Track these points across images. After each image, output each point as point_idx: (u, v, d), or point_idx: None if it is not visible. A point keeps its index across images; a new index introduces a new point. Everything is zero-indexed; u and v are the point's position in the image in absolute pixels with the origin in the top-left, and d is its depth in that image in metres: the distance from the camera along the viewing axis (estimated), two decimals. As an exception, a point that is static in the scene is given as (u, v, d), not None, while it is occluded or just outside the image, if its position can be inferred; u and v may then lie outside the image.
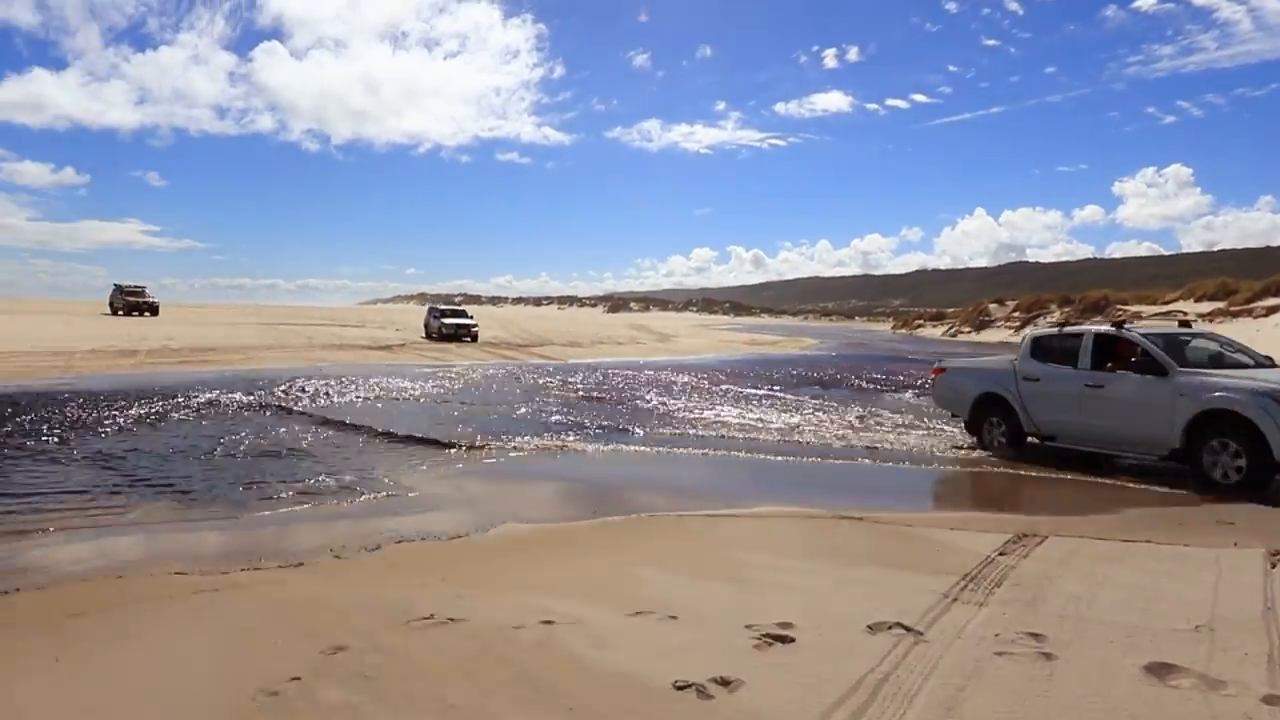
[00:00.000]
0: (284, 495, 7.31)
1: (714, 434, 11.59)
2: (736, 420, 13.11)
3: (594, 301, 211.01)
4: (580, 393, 17.01)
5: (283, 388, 15.93)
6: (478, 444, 10.28)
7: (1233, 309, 44.24)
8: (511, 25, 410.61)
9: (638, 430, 11.74)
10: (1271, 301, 42.49)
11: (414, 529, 6.20)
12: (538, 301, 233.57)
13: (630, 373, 22.66)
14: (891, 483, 8.90)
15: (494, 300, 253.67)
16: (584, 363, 27.43)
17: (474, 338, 36.48)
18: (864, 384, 20.75)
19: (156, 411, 12.20)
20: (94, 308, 51.61)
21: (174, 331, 33.07)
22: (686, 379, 20.76)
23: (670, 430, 11.92)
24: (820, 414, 14.00)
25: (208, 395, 14.22)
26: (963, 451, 10.40)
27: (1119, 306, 54.03)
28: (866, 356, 35.71)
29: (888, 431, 12.09)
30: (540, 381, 19.59)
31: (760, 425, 12.52)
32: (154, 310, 48.19)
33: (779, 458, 10.04)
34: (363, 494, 7.44)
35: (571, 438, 10.99)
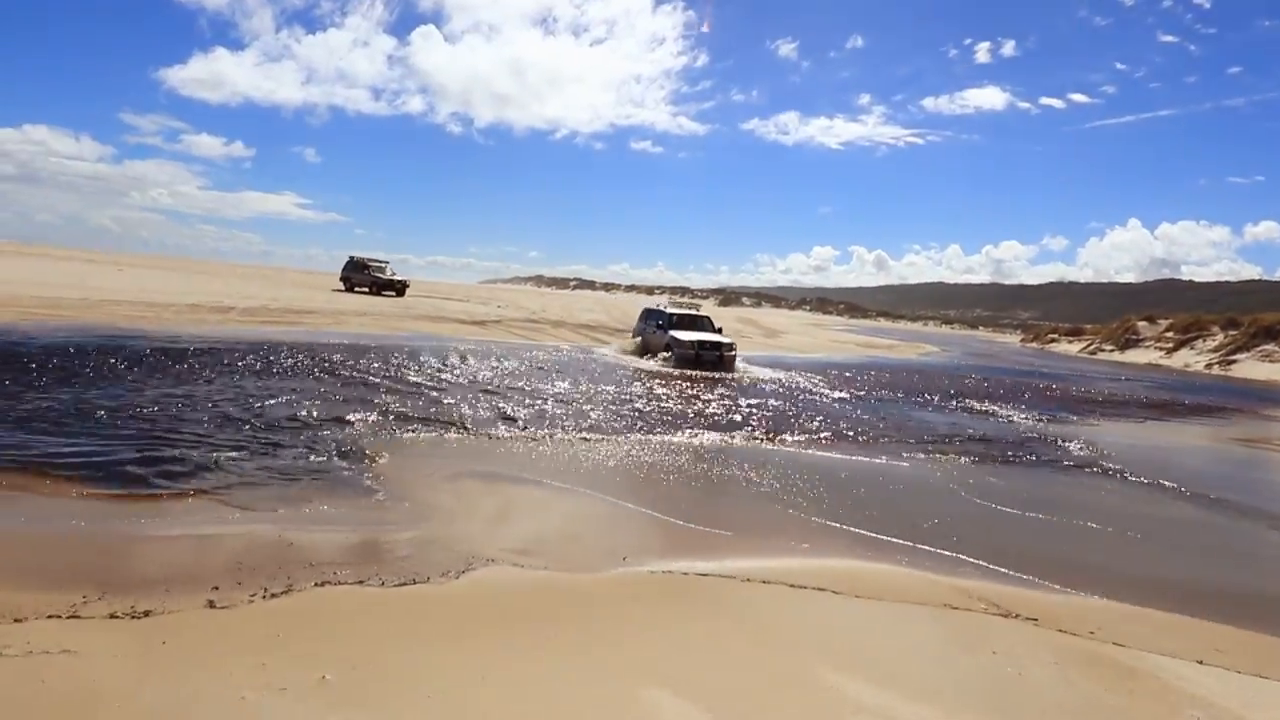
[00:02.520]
0: (203, 474, 5.68)
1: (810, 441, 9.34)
2: (841, 430, 10.77)
3: (706, 294, 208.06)
4: (661, 384, 15.06)
5: (339, 355, 14.85)
6: (496, 430, 8.48)
7: None
8: (662, 12, 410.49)
9: (686, 429, 9.65)
10: None
11: (358, 557, 4.42)
12: (650, 290, 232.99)
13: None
14: (1067, 537, 6.41)
15: (606, 286, 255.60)
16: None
17: (399, 292, 38.34)
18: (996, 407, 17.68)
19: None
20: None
21: (277, 293, 33.60)
22: (786, 377, 18.40)
23: (726, 429, 9.75)
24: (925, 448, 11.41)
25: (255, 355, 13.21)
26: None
27: (1301, 333, 46.87)
28: (1000, 370, 31.87)
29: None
30: (627, 370, 17.78)
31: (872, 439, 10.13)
32: (401, 290, 40.11)
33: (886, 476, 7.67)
34: (326, 486, 5.74)
35: (636, 430, 9.03)
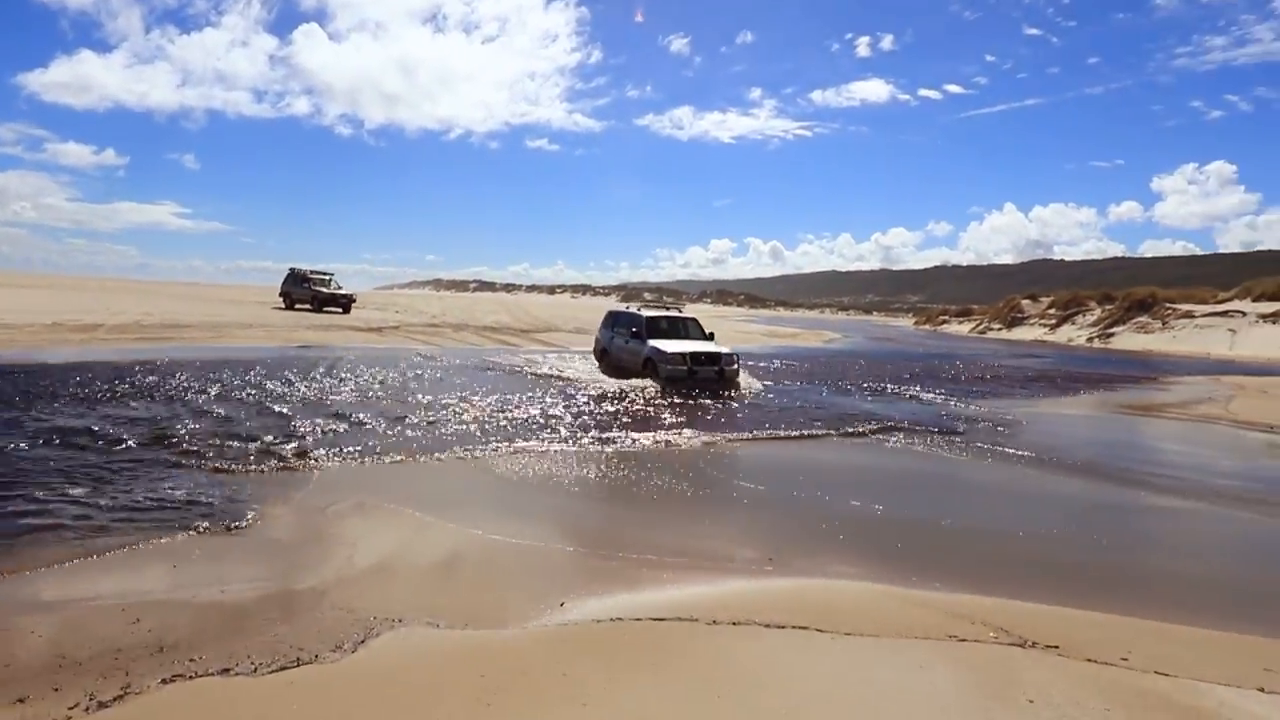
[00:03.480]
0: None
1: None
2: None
3: (607, 291, 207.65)
4: (586, 387, 14.30)
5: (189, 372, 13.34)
6: (396, 453, 7.56)
7: (1296, 308, 40.70)
8: (554, 9, 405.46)
9: (633, 434, 9.01)
10: (1336, 302, 38.96)
11: (223, 630, 3.53)
12: (551, 290, 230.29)
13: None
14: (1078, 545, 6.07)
15: (507, 287, 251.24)
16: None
17: (345, 308, 34.41)
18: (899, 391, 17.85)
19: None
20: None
21: (153, 307, 30.80)
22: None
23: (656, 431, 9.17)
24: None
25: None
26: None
27: (1168, 305, 50.52)
28: (898, 354, 32.71)
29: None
30: (540, 371, 16.91)
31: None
32: (346, 306, 35.34)
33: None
34: (178, 536, 4.74)
35: (559, 441, 8.26)
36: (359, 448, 7.87)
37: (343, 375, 14.07)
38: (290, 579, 4.25)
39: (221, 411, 9.43)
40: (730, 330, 46.94)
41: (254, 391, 11.24)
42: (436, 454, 7.88)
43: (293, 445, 7.74)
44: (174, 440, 7.66)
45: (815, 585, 4.60)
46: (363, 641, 3.54)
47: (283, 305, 36.21)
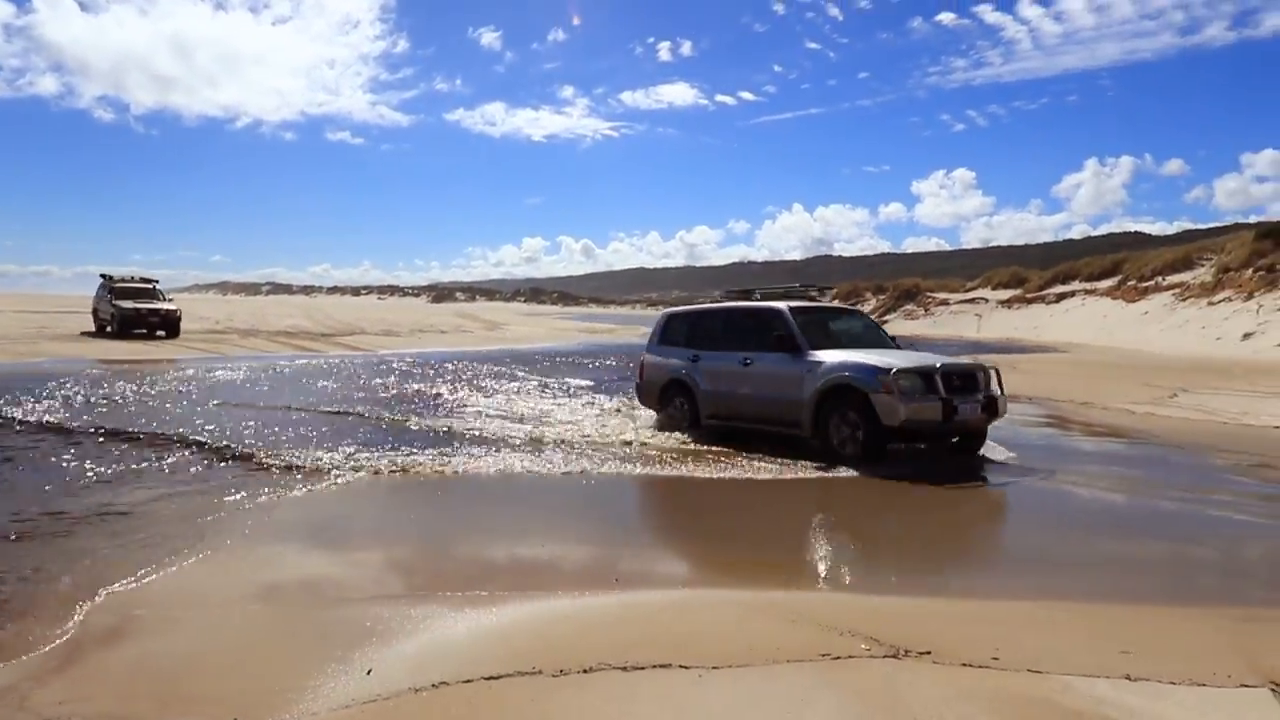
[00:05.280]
0: None
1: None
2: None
3: (417, 291, 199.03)
4: (394, 392, 12.98)
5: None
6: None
7: (1028, 295, 47.12)
8: None
9: (463, 444, 8.13)
10: (1059, 289, 45.56)
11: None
12: (356, 291, 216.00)
13: (454, 365, 18.65)
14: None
15: (306, 289, 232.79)
16: (400, 354, 23.00)
17: (170, 329, 24.49)
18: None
19: None
20: None
21: None
22: (523, 370, 17.20)
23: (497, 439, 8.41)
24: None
25: None
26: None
27: (929, 294, 56.81)
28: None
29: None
30: (333, 379, 15.23)
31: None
32: (173, 328, 24.74)
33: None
34: None
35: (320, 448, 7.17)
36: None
37: (104, 392, 11.75)
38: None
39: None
40: (548, 328, 46.35)
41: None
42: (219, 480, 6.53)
43: None
44: None
45: (666, 599, 4.11)
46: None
47: (92, 329, 26.28)
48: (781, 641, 3.46)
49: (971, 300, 51.65)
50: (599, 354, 24.53)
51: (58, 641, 3.46)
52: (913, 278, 64.57)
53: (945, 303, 53.41)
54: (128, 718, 2.83)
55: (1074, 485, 7.12)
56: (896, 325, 52.18)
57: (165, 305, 25.30)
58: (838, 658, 3.30)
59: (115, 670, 3.23)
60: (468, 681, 3.03)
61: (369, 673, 3.11)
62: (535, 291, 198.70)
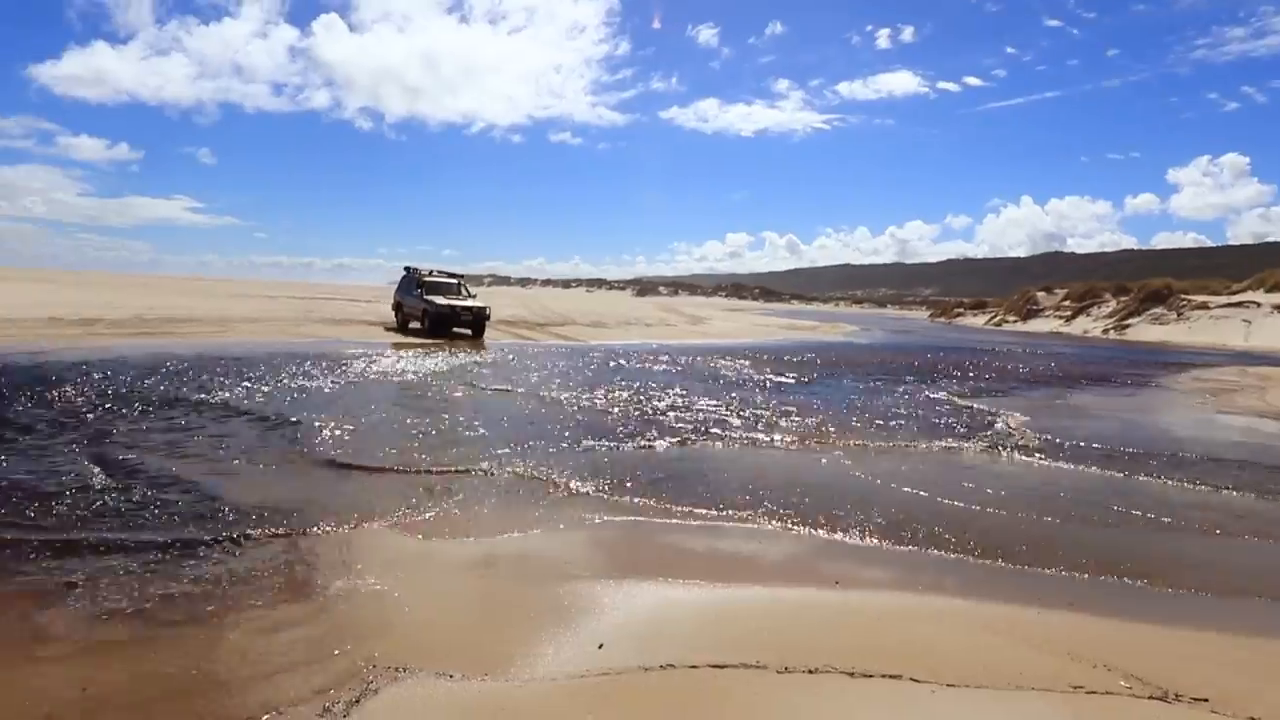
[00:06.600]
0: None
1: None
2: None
3: (622, 285, 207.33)
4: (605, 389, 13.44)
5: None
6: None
7: (1308, 299, 39.46)
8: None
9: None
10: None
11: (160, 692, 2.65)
12: (566, 284, 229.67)
13: (660, 360, 18.97)
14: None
15: (523, 282, 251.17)
16: (609, 345, 23.83)
17: (477, 329, 22.32)
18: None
19: None
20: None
21: (158, 303, 30.24)
22: (735, 364, 17.09)
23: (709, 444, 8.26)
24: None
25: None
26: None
27: (1183, 296, 49.29)
28: (930, 345, 31.69)
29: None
30: (560, 365, 16.07)
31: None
32: (480, 327, 22.44)
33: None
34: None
35: (586, 439, 7.36)
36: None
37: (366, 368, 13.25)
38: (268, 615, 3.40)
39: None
40: (748, 324, 46.09)
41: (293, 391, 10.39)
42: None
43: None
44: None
45: (893, 603, 3.77)
46: (358, 700, 2.69)
47: (394, 322, 25.04)
48: (1023, 665, 3.05)
49: (1238, 304, 44.23)
50: (803, 350, 23.86)
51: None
52: (1163, 277, 56.41)
53: (1204, 306, 46.20)
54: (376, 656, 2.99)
55: None
56: (1141, 330, 46.01)
57: (476, 303, 23.20)
58: (1092, 692, 2.82)
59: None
60: (694, 667, 2.98)
61: (600, 647, 3.15)
62: (737, 287, 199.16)
